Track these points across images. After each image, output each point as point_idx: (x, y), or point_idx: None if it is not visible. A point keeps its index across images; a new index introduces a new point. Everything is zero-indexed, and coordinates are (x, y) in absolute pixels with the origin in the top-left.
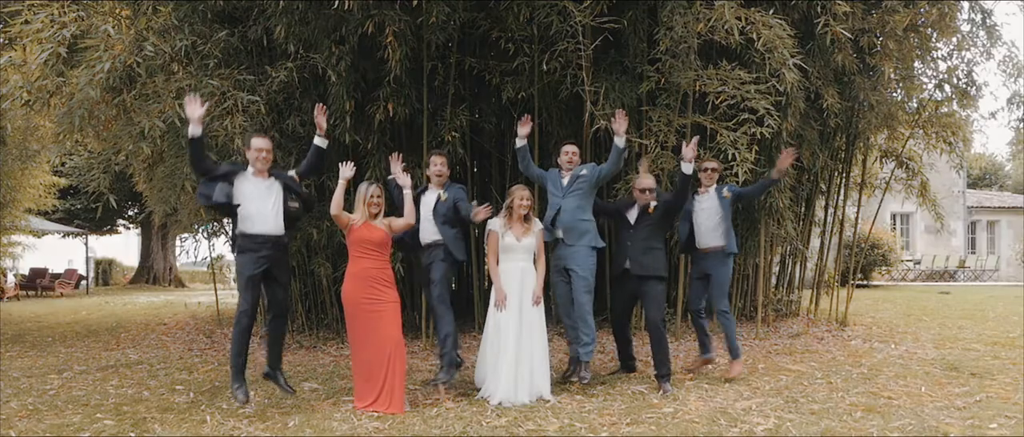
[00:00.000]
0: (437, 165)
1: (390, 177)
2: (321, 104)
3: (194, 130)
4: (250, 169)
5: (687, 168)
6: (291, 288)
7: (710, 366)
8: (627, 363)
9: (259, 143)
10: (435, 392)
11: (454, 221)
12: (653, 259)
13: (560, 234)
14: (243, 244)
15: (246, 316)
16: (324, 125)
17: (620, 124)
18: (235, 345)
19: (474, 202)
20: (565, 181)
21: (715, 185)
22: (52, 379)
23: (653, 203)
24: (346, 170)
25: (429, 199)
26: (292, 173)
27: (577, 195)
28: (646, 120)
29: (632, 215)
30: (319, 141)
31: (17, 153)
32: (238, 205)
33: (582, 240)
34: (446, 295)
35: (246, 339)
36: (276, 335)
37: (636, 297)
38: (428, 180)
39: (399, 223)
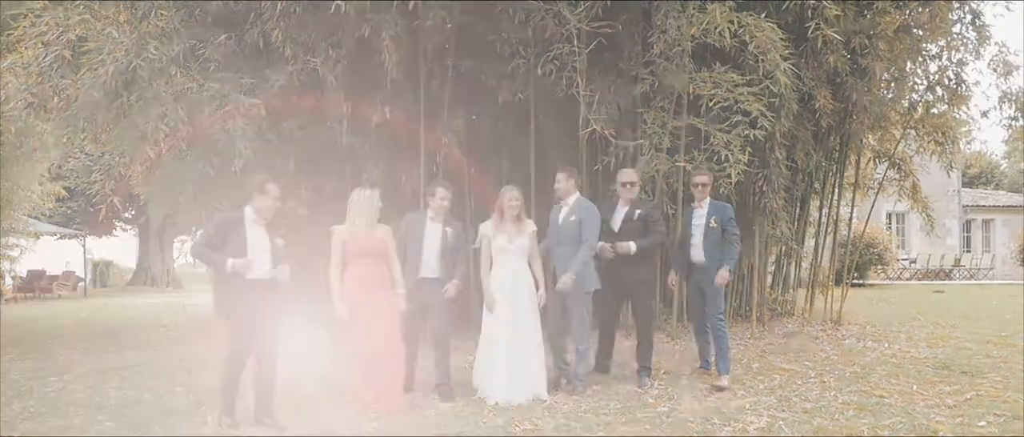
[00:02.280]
0: (443, 199)
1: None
2: None
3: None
4: (251, 214)
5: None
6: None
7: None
8: (603, 363)
9: (277, 191)
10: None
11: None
12: (639, 265)
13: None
14: (237, 291)
15: (234, 361)
16: None
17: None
18: (226, 385)
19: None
20: (560, 219)
21: (709, 199)
22: (53, 382)
23: (639, 212)
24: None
25: (433, 233)
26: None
27: (570, 239)
28: (640, 122)
29: (617, 222)
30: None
31: (8, 154)
32: (235, 253)
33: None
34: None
35: (236, 377)
36: (266, 384)
37: (621, 299)
38: (428, 208)
39: (393, 259)
